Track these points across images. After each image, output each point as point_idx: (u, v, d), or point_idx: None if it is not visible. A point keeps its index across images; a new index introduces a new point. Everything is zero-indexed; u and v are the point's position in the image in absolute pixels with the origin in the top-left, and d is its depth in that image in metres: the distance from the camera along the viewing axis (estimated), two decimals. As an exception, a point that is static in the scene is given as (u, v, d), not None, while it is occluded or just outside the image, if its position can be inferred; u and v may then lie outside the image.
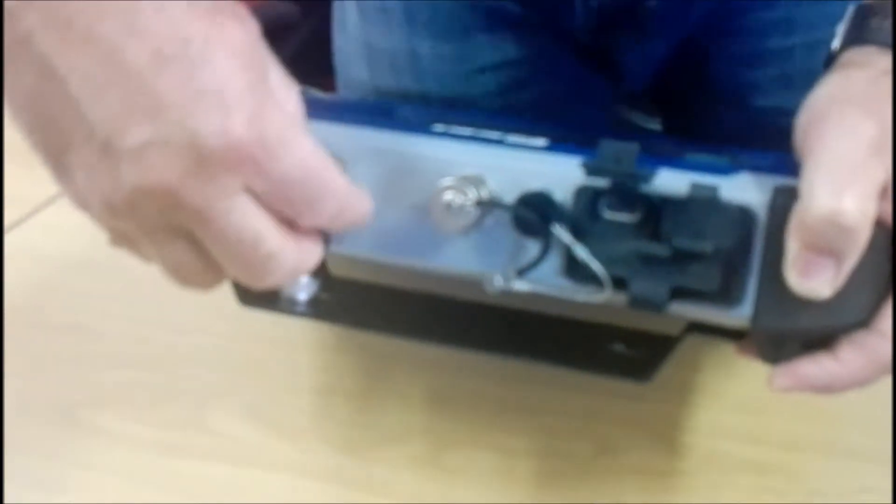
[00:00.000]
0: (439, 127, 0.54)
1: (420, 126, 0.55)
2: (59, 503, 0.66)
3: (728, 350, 0.57)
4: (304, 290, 0.60)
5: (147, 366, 0.75)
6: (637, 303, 0.50)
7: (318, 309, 0.60)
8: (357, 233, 0.47)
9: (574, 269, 0.51)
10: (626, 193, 0.49)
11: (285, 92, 0.43)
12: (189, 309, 0.79)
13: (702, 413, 0.69)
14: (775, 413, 0.68)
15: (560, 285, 0.52)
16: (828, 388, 0.50)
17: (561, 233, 0.50)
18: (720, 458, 0.66)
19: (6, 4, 0.38)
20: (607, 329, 0.59)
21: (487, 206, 0.51)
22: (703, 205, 0.48)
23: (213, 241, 0.42)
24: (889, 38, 0.50)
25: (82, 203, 0.42)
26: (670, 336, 0.57)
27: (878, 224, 0.46)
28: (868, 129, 0.46)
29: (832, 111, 0.47)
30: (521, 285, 0.52)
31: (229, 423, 0.71)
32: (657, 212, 0.49)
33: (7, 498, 0.65)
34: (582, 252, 0.50)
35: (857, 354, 0.48)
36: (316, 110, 0.46)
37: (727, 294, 0.50)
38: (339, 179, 0.43)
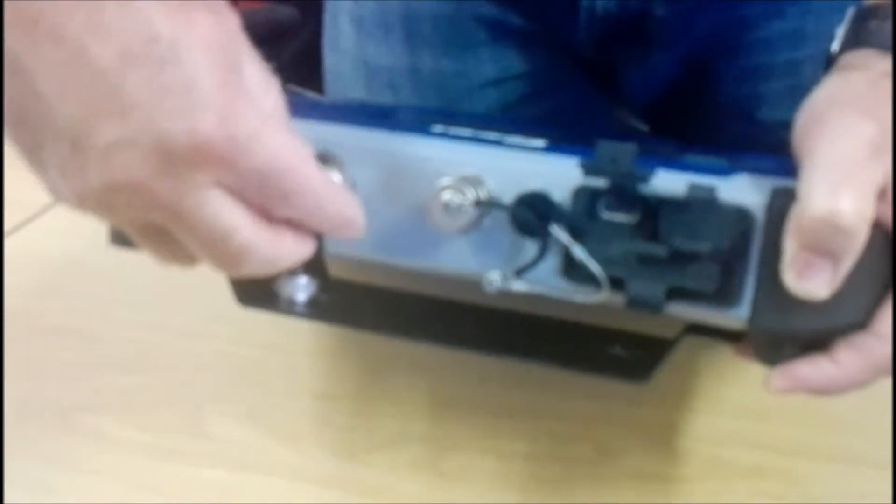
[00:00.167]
0: (438, 127, 0.54)
1: (418, 126, 0.55)
2: (57, 507, 0.66)
3: (728, 355, 0.57)
4: (302, 290, 0.59)
5: (146, 370, 0.75)
6: (635, 303, 0.50)
7: (317, 310, 0.60)
8: (355, 239, 0.47)
9: (572, 269, 0.51)
10: (625, 194, 0.50)
11: (263, 86, 0.42)
12: (188, 313, 0.79)
13: (701, 418, 0.69)
14: (775, 418, 0.68)
15: (558, 285, 0.52)
16: (825, 390, 0.50)
17: (559, 233, 0.50)
18: (720, 462, 0.66)
19: None
20: (605, 332, 0.59)
21: (486, 206, 0.51)
22: (701, 206, 0.48)
23: (185, 234, 0.42)
24: (888, 41, 0.50)
25: (59, 196, 0.42)
26: (668, 339, 0.57)
27: (876, 226, 0.46)
28: (866, 131, 0.46)
29: (830, 113, 0.47)
30: (519, 285, 0.52)
31: (228, 427, 0.70)
32: (655, 212, 0.49)
33: (5, 501, 0.65)
34: (580, 252, 0.50)
35: (854, 356, 0.48)
36: (314, 111, 0.46)
37: (725, 295, 0.50)
38: (316, 175, 0.43)
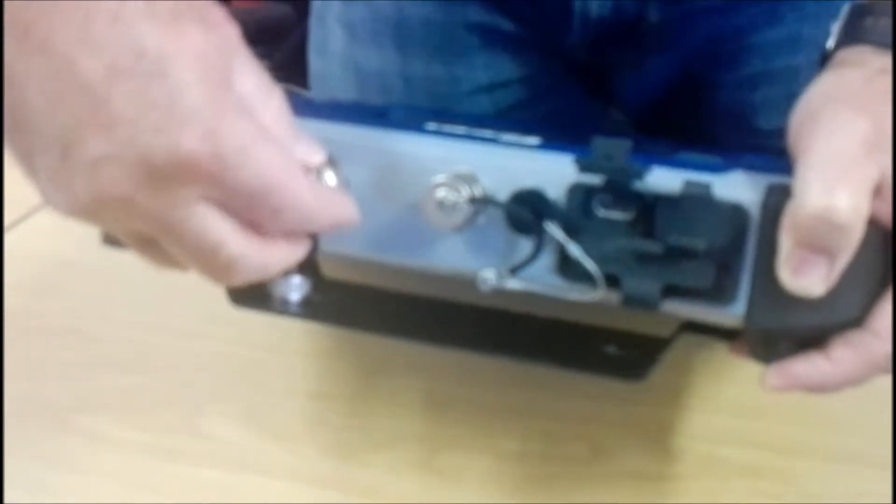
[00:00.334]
0: (432, 125, 0.54)
1: (412, 124, 0.55)
2: (54, 508, 0.66)
3: (723, 353, 0.57)
4: (295, 290, 0.59)
5: (143, 370, 0.75)
6: (630, 301, 0.50)
7: (310, 309, 0.60)
8: (349, 231, 0.47)
9: (567, 267, 0.51)
10: (620, 191, 0.49)
11: (263, 96, 0.42)
12: (185, 314, 0.79)
13: (697, 417, 0.69)
14: (771, 416, 0.68)
15: (553, 283, 0.52)
16: (821, 388, 0.50)
17: (554, 230, 0.50)
18: (716, 462, 0.66)
19: None
20: (600, 331, 0.59)
21: (480, 203, 0.51)
22: (697, 202, 0.48)
23: (173, 246, 0.42)
24: (883, 38, 0.50)
25: (51, 204, 0.42)
26: (663, 338, 0.57)
27: (872, 222, 0.46)
28: (861, 127, 0.46)
29: (826, 109, 0.47)
30: (513, 283, 0.52)
31: (225, 427, 0.70)
32: (650, 209, 0.49)
33: (4, 501, 0.65)
34: (575, 250, 0.50)
35: (850, 354, 0.48)
36: (308, 109, 0.46)
37: (720, 292, 0.49)
38: (305, 193, 0.43)
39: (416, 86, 0.79)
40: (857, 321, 0.48)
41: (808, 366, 0.49)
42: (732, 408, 0.69)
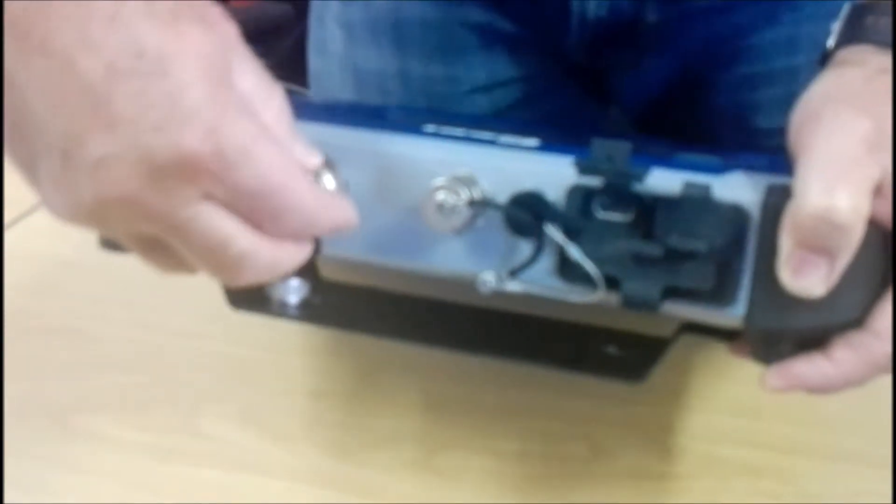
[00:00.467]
0: (430, 127, 0.54)
1: (411, 127, 0.54)
2: (52, 508, 0.66)
3: (723, 353, 0.57)
4: (294, 293, 0.59)
5: (141, 370, 0.75)
6: (630, 303, 0.50)
7: (309, 312, 0.60)
8: (349, 234, 0.47)
9: (567, 269, 0.51)
10: (619, 193, 0.49)
11: (264, 95, 0.42)
12: (183, 313, 0.79)
13: (697, 416, 0.69)
14: (771, 416, 0.68)
15: (553, 285, 0.52)
16: (821, 389, 0.50)
17: (553, 233, 0.50)
18: (715, 461, 0.66)
19: None
20: (600, 331, 0.59)
21: (480, 206, 0.51)
22: (696, 204, 0.48)
23: (181, 245, 0.42)
24: (884, 37, 0.50)
25: (53, 210, 0.41)
26: (663, 338, 0.57)
27: (872, 223, 0.46)
28: (862, 127, 0.46)
29: (826, 109, 0.47)
30: (513, 286, 0.52)
31: (223, 427, 0.70)
32: (650, 211, 0.49)
33: (4, 501, 0.65)
34: (575, 252, 0.50)
35: (850, 354, 0.48)
36: (307, 112, 0.46)
37: (720, 293, 0.49)
38: (306, 194, 0.42)
39: (414, 86, 0.79)
40: (857, 322, 0.48)
41: (809, 366, 0.49)
42: (732, 407, 0.69)
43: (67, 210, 0.40)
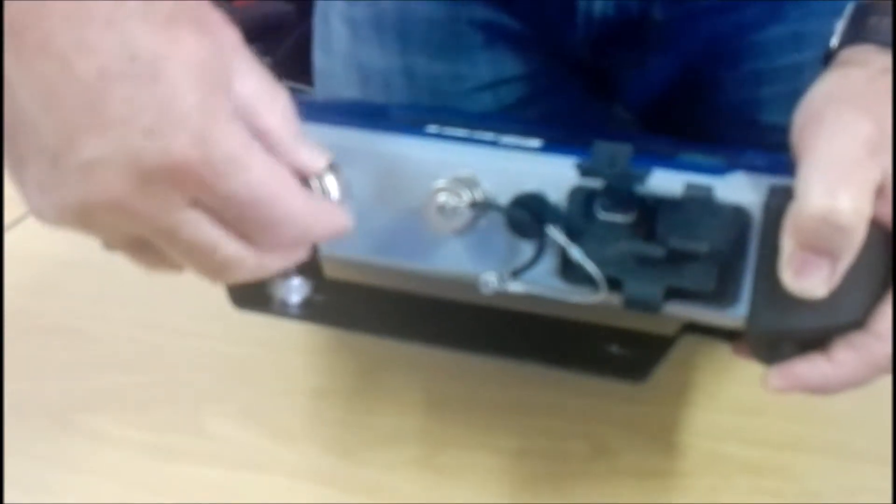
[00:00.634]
0: (433, 128, 0.54)
1: (413, 127, 0.54)
2: (53, 507, 0.66)
3: (725, 351, 0.57)
4: (296, 292, 0.59)
5: (142, 369, 0.75)
6: (632, 304, 0.50)
7: (311, 311, 0.60)
8: (351, 236, 0.47)
9: (569, 270, 0.51)
10: (621, 194, 0.49)
11: (268, 99, 0.42)
12: (184, 312, 0.79)
13: (699, 414, 0.69)
14: (773, 414, 0.68)
15: (555, 286, 0.52)
16: (822, 389, 0.50)
17: (555, 234, 0.50)
18: (717, 459, 0.66)
19: None
20: (602, 330, 0.59)
21: (481, 207, 0.51)
22: (698, 205, 0.48)
23: (168, 248, 0.42)
24: (887, 37, 0.50)
25: (39, 215, 0.41)
26: (666, 336, 0.57)
27: (874, 224, 0.46)
28: (864, 128, 0.45)
29: (828, 110, 0.47)
30: (515, 287, 0.52)
31: (224, 426, 0.70)
32: (652, 212, 0.49)
33: (4, 501, 0.65)
34: (576, 253, 0.50)
35: (851, 355, 0.48)
36: (309, 112, 0.46)
37: (722, 294, 0.49)
38: (298, 205, 0.42)
39: (418, 83, 0.79)
40: (858, 323, 0.48)
41: (810, 367, 0.49)
42: (735, 405, 0.69)
43: (53, 212, 0.40)
